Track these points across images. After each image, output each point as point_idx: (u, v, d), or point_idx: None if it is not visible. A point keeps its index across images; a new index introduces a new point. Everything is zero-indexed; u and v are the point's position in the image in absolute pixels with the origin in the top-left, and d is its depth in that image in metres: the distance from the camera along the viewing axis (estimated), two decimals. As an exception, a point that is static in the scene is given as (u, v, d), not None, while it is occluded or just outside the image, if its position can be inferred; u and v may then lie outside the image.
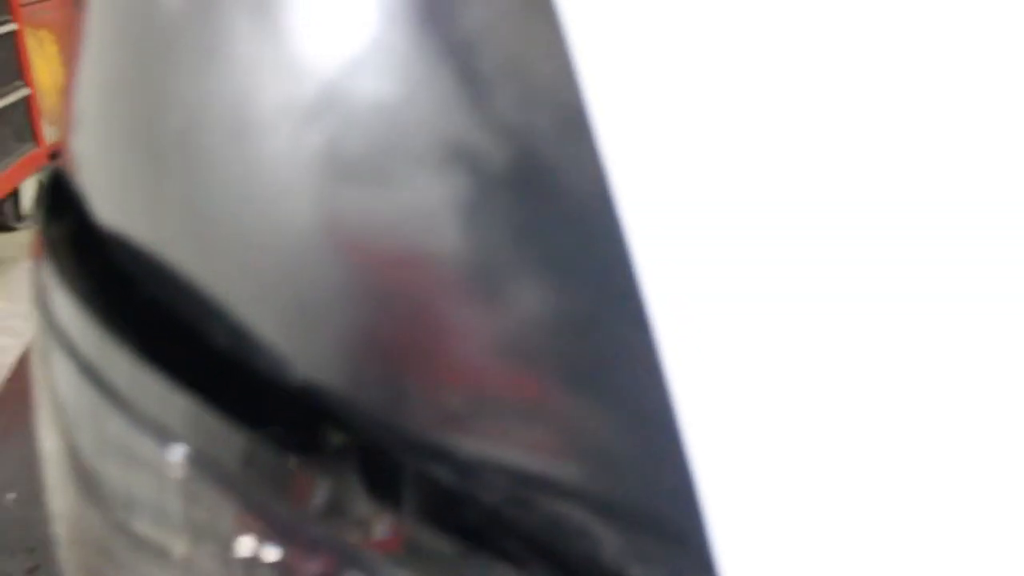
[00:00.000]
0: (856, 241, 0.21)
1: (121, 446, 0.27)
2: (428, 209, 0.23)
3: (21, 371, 0.78)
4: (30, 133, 3.24)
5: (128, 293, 0.29)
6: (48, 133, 3.33)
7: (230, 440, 0.25)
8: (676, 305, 0.22)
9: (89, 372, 0.27)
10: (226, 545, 0.26)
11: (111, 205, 0.30)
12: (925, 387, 0.21)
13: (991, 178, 0.21)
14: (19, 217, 3.15)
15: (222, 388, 0.26)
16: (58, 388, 0.30)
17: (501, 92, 0.22)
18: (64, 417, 0.30)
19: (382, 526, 0.24)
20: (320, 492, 0.25)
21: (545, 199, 0.22)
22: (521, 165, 0.23)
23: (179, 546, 0.26)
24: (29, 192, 3.20)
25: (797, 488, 0.22)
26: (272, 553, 0.25)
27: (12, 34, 3.11)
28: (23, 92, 3.18)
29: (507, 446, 0.26)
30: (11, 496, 0.61)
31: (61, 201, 0.34)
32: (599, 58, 0.22)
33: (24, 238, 3.02)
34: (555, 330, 0.23)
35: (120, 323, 0.28)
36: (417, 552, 0.24)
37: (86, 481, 0.30)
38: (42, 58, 3.37)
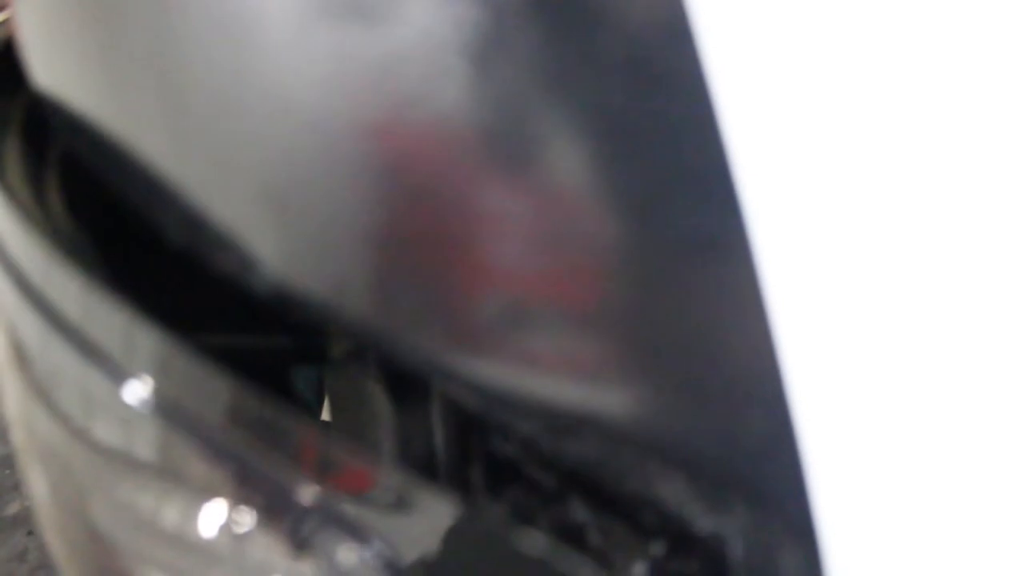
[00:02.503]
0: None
1: (75, 382, 0.22)
2: (427, 53, 0.17)
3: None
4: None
5: (73, 180, 0.24)
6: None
7: (203, 382, 0.19)
8: (779, 211, 0.16)
9: (35, 298, 0.22)
10: (196, 500, 0.21)
11: (54, 67, 0.24)
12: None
13: None
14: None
15: (188, 311, 0.21)
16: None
17: None
18: (11, 332, 0.25)
19: (374, 482, 0.19)
20: (308, 445, 0.19)
21: (606, 28, 0.16)
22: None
23: (150, 498, 0.21)
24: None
25: (916, 473, 0.16)
26: (251, 512, 0.20)
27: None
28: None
29: (552, 367, 0.20)
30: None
31: (10, 76, 0.29)
32: None
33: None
34: (620, 216, 0.16)
35: (69, 231, 0.22)
36: (411, 511, 0.19)
37: (39, 392, 0.25)
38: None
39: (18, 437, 0.28)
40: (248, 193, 0.20)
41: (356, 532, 0.19)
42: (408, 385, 0.28)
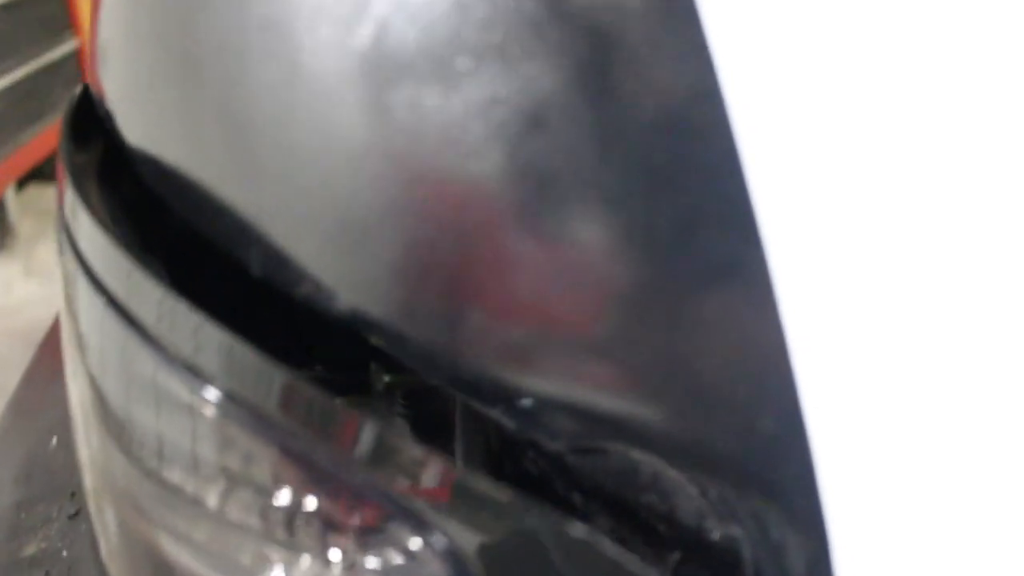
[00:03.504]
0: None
1: (150, 387, 0.24)
2: (491, 113, 0.20)
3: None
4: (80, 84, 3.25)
5: (158, 220, 0.27)
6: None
7: (268, 380, 0.22)
8: (792, 234, 0.19)
9: (116, 307, 0.25)
10: (263, 494, 0.23)
11: (141, 124, 0.27)
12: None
13: None
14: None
15: (260, 323, 0.24)
16: (83, 327, 0.27)
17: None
18: (90, 358, 0.27)
19: (431, 473, 0.21)
20: (366, 437, 0.22)
21: (637, 95, 0.19)
22: (603, 59, 0.19)
23: (212, 495, 0.24)
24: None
25: (924, 470, 0.19)
26: (312, 503, 0.22)
27: (62, -15, 3.11)
28: (74, 43, 3.19)
29: (578, 386, 0.23)
30: (54, 440, 0.60)
31: (85, 126, 0.32)
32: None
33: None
34: (637, 249, 0.19)
35: (149, 253, 0.25)
36: (468, 501, 0.21)
37: (114, 426, 0.28)
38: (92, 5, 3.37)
39: (92, 481, 0.30)
40: (325, 232, 0.23)
41: (418, 523, 0.21)
42: (443, 411, 0.31)
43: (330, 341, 0.27)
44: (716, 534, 0.25)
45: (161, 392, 0.23)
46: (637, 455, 0.25)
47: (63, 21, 3.15)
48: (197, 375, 0.22)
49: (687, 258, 0.19)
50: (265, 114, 0.23)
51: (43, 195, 2.74)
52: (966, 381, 0.18)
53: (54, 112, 3.03)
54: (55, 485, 0.56)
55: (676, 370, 0.21)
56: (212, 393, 0.22)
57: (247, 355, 0.22)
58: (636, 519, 0.26)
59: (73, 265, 0.26)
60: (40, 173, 2.91)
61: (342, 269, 0.22)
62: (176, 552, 0.26)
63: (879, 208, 0.18)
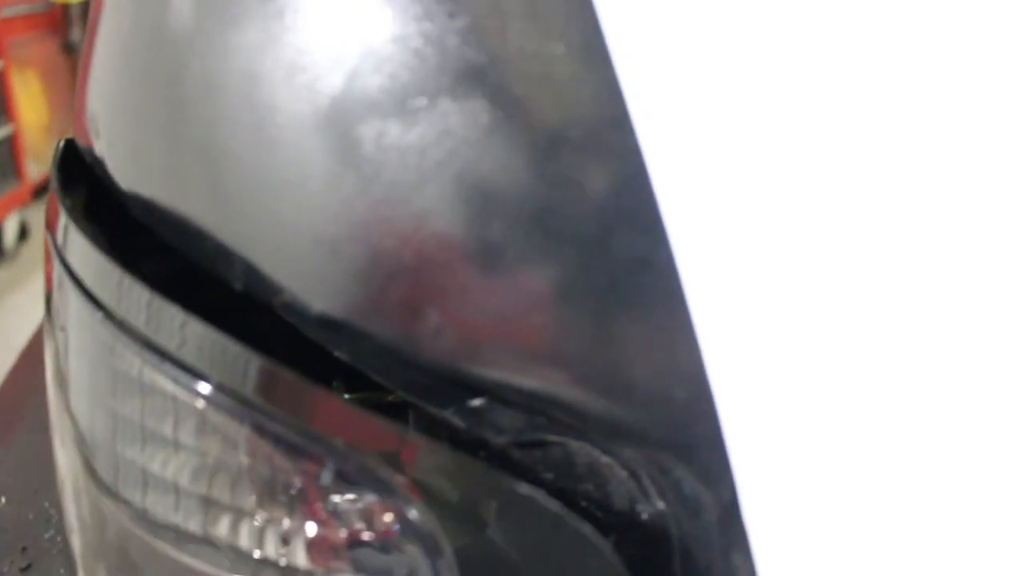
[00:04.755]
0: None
1: (137, 386, 0.27)
2: (443, 142, 0.24)
3: (13, 382, 0.78)
4: (13, 170, 3.23)
5: (145, 244, 0.30)
6: (31, 170, 3.33)
7: (247, 367, 0.25)
8: (692, 233, 0.23)
9: (106, 314, 0.28)
10: (244, 478, 0.26)
11: (129, 162, 0.31)
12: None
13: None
14: (1, 253, 3.13)
15: (238, 324, 0.27)
16: (73, 340, 0.30)
17: (517, 25, 0.23)
18: (75, 371, 0.30)
19: (395, 441, 0.25)
20: (341, 417, 0.25)
21: (562, 124, 0.23)
22: (534, 94, 0.24)
23: (184, 477, 0.27)
24: (12, 228, 3.18)
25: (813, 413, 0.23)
26: (289, 484, 0.26)
27: (-3, 72, 3.13)
28: (7, 129, 3.18)
29: (520, 382, 0.26)
30: (3, 499, 0.61)
31: (73, 171, 0.35)
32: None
33: (6, 275, 3.00)
34: (565, 254, 0.23)
35: (138, 267, 0.28)
36: (432, 470, 0.25)
37: (103, 467, 0.30)
38: (27, 96, 3.38)
39: (88, 539, 0.33)
40: (300, 250, 0.26)
41: (389, 494, 0.25)
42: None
43: (294, 364, 0.31)
44: (646, 514, 0.28)
45: (146, 387, 0.26)
46: (573, 445, 0.29)
47: (-2, 108, 3.15)
48: (184, 368, 0.25)
49: (607, 259, 0.23)
50: (246, 148, 0.27)
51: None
52: (832, 349, 0.22)
53: (-13, 196, 3.01)
54: (6, 541, 0.57)
55: (603, 357, 0.24)
56: (198, 384, 0.25)
57: (229, 346, 0.25)
58: (576, 508, 0.29)
59: (68, 286, 0.29)
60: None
61: (316, 279, 0.26)
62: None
63: (759, 210, 0.22)
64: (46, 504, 0.59)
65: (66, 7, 3.79)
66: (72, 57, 3.84)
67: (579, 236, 0.23)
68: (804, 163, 0.22)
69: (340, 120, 0.25)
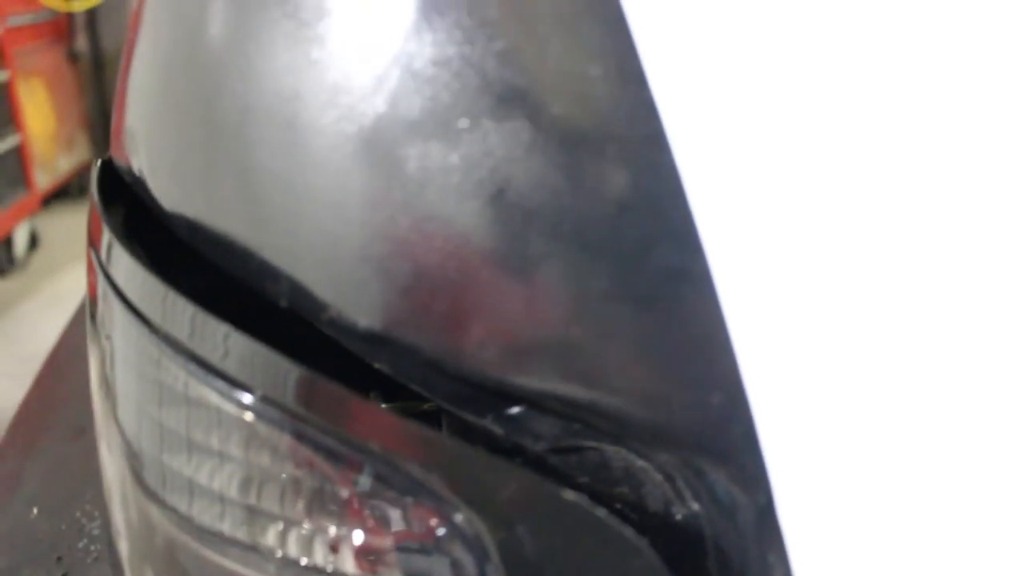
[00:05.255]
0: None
1: (182, 398, 0.28)
2: (485, 162, 0.25)
3: (38, 393, 0.79)
4: (22, 179, 3.25)
5: (185, 258, 0.31)
6: (40, 179, 3.35)
7: (289, 378, 0.26)
8: (727, 246, 0.24)
9: (151, 328, 0.29)
10: (289, 487, 0.27)
11: (170, 182, 0.32)
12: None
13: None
14: (12, 262, 3.15)
15: (280, 337, 0.28)
16: (119, 354, 0.31)
17: (555, 47, 0.24)
18: (121, 381, 0.31)
19: (441, 450, 0.26)
20: (379, 433, 0.26)
21: (599, 143, 0.24)
22: (572, 114, 0.24)
23: (233, 489, 0.28)
24: (22, 238, 3.20)
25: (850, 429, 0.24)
26: (336, 492, 0.26)
27: (4, 82, 3.14)
28: (15, 139, 3.20)
29: (559, 389, 0.27)
30: (35, 510, 0.62)
31: (113, 190, 0.36)
32: (651, 12, 0.24)
33: (17, 284, 3.02)
34: (606, 266, 0.24)
35: (182, 282, 0.29)
36: (476, 476, 0.26)
37: (150, 475, 0.31)
38: (33, 105, 3.40)
39: (135, 543, 0.34)
40: (346, 267, 0.27)
41: (436, 501, 0.25)
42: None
43: (333, 377, 0.32)
44: (680, 515, 0.29)
45: (192, 400, 0.27)
46: (609, 450, 0.30)
47: (5, 117, 3.17)
48: (228, 380, 0.26)
49: (644, 271, 0.24)
50: (290, 168, 0.28)
51: None
52: (863, 353, 0.23)
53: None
54: (40, 551, 0.58)
55: (643, 365, 0.25)
56: (243, 396, 0.26)
57: (271, 358, 0.26)
58: (612, 510, 0.30)
59: (112, 301, 0.30)
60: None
61: (362, 296, 0.27)
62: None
63: (790, 219, 0.23)
64: (78, 514, 0.60)
65: (71, 15, 3.81)
66: (77, 66, 3.87)
67: (616, 249, 0.24)
68: (833, 175, 0.23)
69: (384, 141, 0.26)
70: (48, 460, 0.68)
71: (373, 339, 0.27)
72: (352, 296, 0.27)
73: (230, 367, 0.28)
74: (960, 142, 0.23)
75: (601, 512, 0.25)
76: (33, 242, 3.33)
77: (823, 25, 0.23)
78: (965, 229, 0.23)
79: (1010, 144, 0.23)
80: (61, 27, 3.79)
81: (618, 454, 0.29)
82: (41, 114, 3.47)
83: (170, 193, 0.32)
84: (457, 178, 0.25)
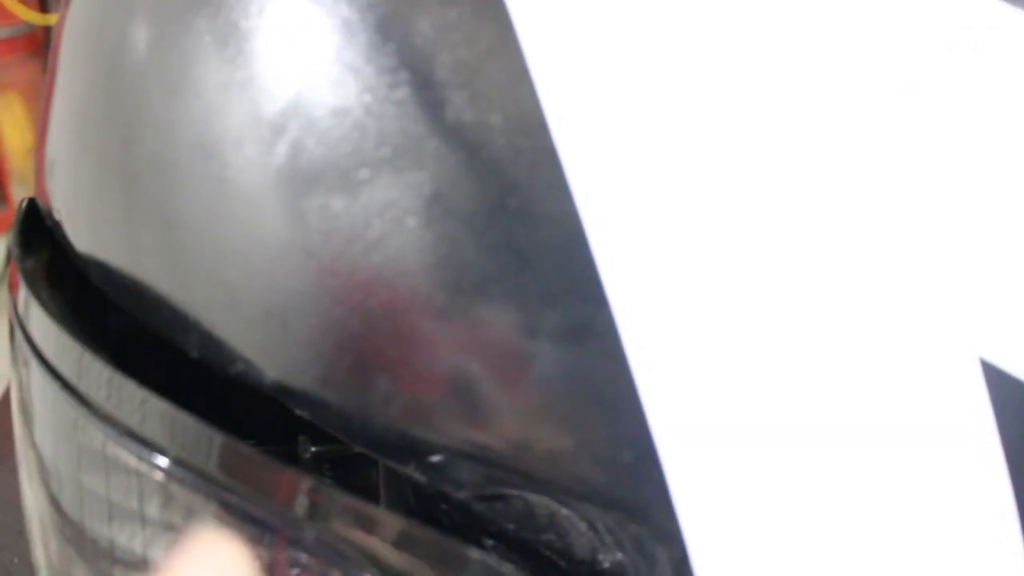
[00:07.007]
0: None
1: (100, 460, 0.28)
2: (387, 213, 0.24)
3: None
4: (-1, 194, 3.23)
5: (103, 314, 0.30)
6: (17, 194, 3.32)
7: (208, 444, 0.26)
8: (632, 299, 0.23)
9: (68, 389, 0.28)
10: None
11: (86, 230, 0.31)
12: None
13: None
14: (-11, 278, 3.12)
15: (197, 396, 0.27)
16: (36, 412, 0.31)
17: (455, 96, 0.24)
18: (41, 439, 0.31)
19: (364, 522, 0.25)
20: (299, 491, 0.25)
21: (501, 193, 0.23)
22: (477, 166, 0.24)
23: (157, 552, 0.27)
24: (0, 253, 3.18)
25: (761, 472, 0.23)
26: (254, 553, 0.26)
27: (-21, 97, 3.12)
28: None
29: (476, 440, 0.27)
30: (16, 561, 0.62)
31: (34, 234, 0.35)
32: (553, 61, 0.23)
33: (-5, 300, 2.99)
34: (512, 319, 0.24)
35: (96, 340, 0.28)
36: (403, 546, 0.25)
37: (70, 534, 0.31)
38: (10, 120, 3.37)
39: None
40: (253, 318, 0.27)
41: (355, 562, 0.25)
42: (366, 476, 0.34)
43: (260, 417, 0.31)
44: (607, 563, 0.29)
45: (110, 462, 0.27)
46: (533, 498, 0.29)
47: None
48: (144, 444, 0.26)
49: (549, 325, 0.24)
50: (197, 219, 0.27)
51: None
52: (773, 410, 0.23)
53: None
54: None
55: (549, 422, 0.25)
56: (159, 459, 0.25)
57: (189, 423, 0.25)
58: (539, 558, 0.30)
59: (25, 358, 0.30)
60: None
61: (269, 350, 0.26)
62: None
63: (701, 272, 0.23)
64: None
65: (47, 29, 3.78)
66: (55, 79, 3.83)
67: (518, 303, 0.24)
68: (745, 226, 0.23)
69: (286, 192, 0.25)
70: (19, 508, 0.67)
71: (282, 392, 0.26)
72: (259, 349, 0.26)
73: (148, 430, 0.27)
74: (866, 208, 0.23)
75: (510, 570, 0.25)
76: (9, 258, 3.30)
77: (731, 86, 0.23)
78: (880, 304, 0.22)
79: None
80: (38, 41, 3.75)
81: (541, 502, 0.29)
82: (18, 128, 3.44)
83: (84, 239, 0.31)
84: (358, 230, 0.24)
